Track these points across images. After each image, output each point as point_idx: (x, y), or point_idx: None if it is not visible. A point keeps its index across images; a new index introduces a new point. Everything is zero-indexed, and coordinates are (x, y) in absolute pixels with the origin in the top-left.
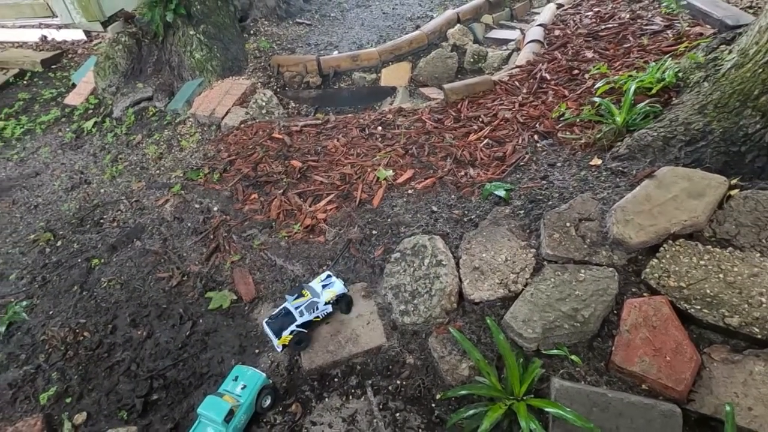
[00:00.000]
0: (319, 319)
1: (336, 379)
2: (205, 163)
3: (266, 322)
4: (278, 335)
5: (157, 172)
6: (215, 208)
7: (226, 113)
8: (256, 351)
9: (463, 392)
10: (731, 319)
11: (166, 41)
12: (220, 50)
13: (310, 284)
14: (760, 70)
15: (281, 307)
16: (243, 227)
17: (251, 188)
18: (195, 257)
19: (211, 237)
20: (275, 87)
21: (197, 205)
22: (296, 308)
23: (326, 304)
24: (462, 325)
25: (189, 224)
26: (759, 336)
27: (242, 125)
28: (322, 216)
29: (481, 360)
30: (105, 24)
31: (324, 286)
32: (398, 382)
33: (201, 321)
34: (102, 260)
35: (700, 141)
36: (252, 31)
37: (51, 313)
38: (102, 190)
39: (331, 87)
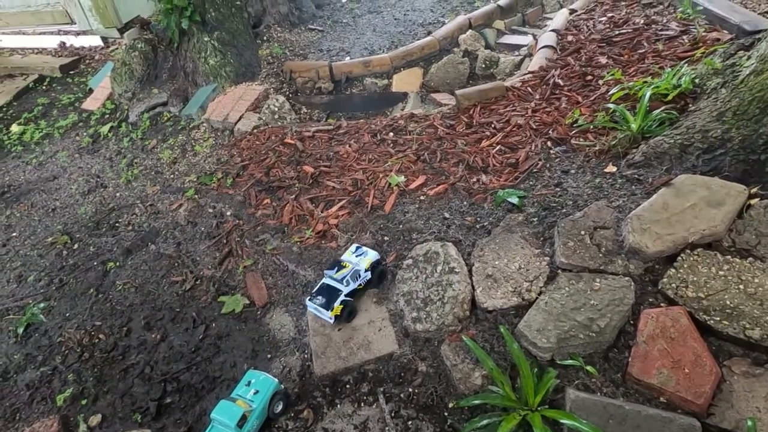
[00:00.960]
0: (361, 287)
1: (348, 386)
2: (218, 168)
3: (308, 300)
4: (328, 307)
5: (172, 176)
6: (228, 213)
7: (239, 118)
8: (269, 356)
9: (477, 401)
10: (752, 332)
11: (181, 48)
12: (234, 56)
13: (342, 257)
14: None
15: (320, 284)
16: (255, 232)
17: (264, 193)
18: (208, 261)
19: (224, 241)
20: (287, 93)
21: (210, 210)
22: (341, 279)
23: (366, 270)
24: (475, 333)
25: (202, 228)
26: None
27: (255, 130)
28: (334, 221)
29: (495, 369)
30: (121, 30)
31: (357, 256)
32: (410, 389)
33: (214, 325)
34: (117, 263)
35: (719, 149)
36: (265, 38)
37: (68, 315)
38: (118, 194)
39: (342, 92)
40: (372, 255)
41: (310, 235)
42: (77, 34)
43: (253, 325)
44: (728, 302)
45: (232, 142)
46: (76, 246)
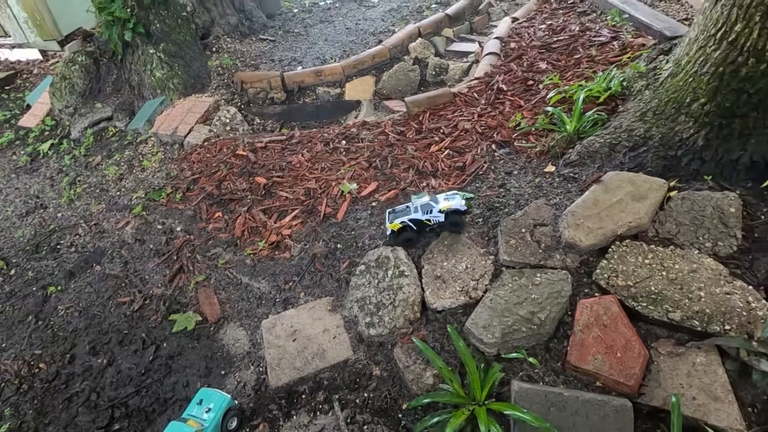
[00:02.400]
0: (430, 223)
1: (303, 396)
2: (167, 183)
3: (389, 210)
4: (391, 220)
5: (118, 193)
6: (178, 228)
7: (189, 131)
8: (222, 372)
9: (427, 400)
10: (674, 314)
11: (126, 60)
12: (182, 68)
13: (436, 195)
14: (691, 79)
15: (406, 204)
16: (207, 246)
17: (215, 206)
18: (158, 279)
19: (175, 258)
20: (239, 104)
21: (160, 226)
22: (413, 206)
23: (440, 212)
24: (425, 334)
25: (151, 246)
26: (699, 328)
27: (206, 143)
28: (288, 232)
29: (444, 368)
30: (62, 43)
31: (446, 198)
32: (365, 394)
33: (165, 345)
34: (59, 287)
35: (642, 146)
36: (214, 49)
37: (3, 345)
38: (59, 215)
39: (295, 102)
40: (456, 203)
41: (264, 247)
42: (12, 47)
43: (206, 341)
44: (653, 288)
45: (181, 156)
46: (12, 272)
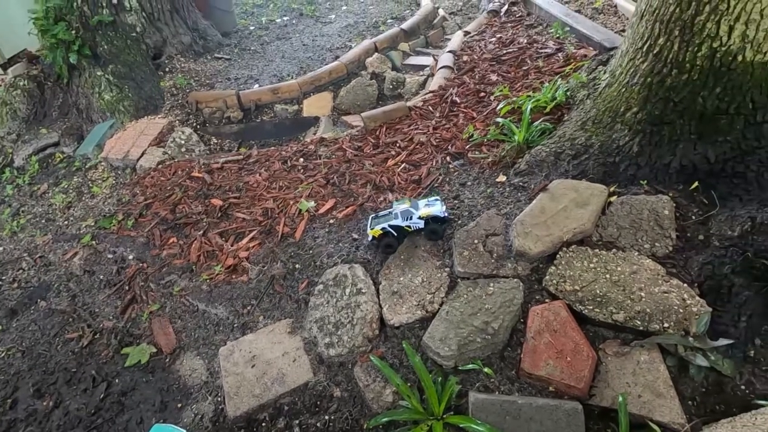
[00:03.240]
0: (410, 230)
1: (264, 424)
2: (119, 209)
3: (372, 216)
4: (372, 226)
5: (65, 222)
6: (130, 257)
7: (142, 154)
8: (179, 405)
9: (386, 419)
10: (618, 315)
11: (72, 83)
12: (132, 90)
13: (417, 200)
14: (624, 89)
15: (389, 209)
16: (161, 274)
17: (169, 232)
18: (109, 312)
19: (127, 288)
20: (195, 124)
21: (110, 255)
22: (392, 212)
23: (420, 218)
24: (384, 351)
25: (101, 277)
26: (641, 328)
27: (160, 166)
28: (245, 254)
29: (402, 385)
30: (5, 66)
31: (427, 204)
32: (326, 417)
33: (117, 380)
34: (0, 327)
35: (584, 154)
36: (168, 69)
37: None
38: (1, 248)
39: (253, 120)
40: (435, 210)
41: (220, 271)
42: None
43: (162, 374)
44: (598, 291)
45: (134, 180)
46: None
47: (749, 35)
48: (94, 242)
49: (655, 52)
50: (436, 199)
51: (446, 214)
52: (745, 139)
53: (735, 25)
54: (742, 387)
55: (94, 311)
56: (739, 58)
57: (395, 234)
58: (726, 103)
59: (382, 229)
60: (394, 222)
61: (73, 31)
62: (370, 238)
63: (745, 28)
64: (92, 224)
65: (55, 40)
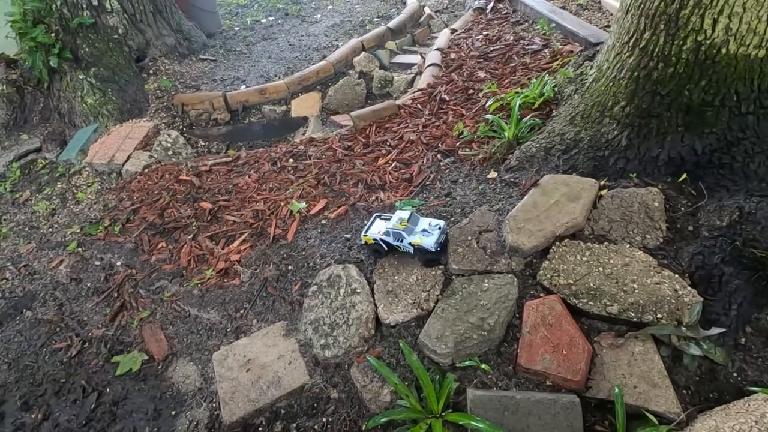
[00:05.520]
0: (400, 249)
1: (260, 429)
2: (105, 215)
3: (376, 215)
4: (366, 232)
5: (50, 230)
6: (118, 263)
7: (128, 159)
8: (173, 413)
9: (384, 419)
10: (612, 308)
11: (53, 87)
12: (116, 93)
13: (421, 219)
14: (611, 83)
15: (391, 214)
16: (151, 280)
17: (158, 236)
18: (97, 320)
19: (115, 295)
20: (181, 127)
21: (98, 262)
22: (386, 227)
23: (409, 244)
24: (381, 350)
25: (89, 284)
26: (635, 319)
27: (146, 170)
28: (236, 257)
29: (399, 384)
30: None
31: (425, 230)
32: (324, 419)
33: (108, 390)
34: None
35: (573, 149)
36: (152, 71)
37: None
38: None
39: (241, 122)
40: (427, 242)
41: (212, 275)
42: None
43: (154, 381)
44: (591, 284)
45: (120, 185)
46: None
47: (732, 28)
48: (80, 249)
49: (641, 46)
50: (438, 226)
51: (439, 248)
52: (731, 130)
53: (719, 19)
54: (735, 374)
55: (82, 320)
56: (723, 50)
57: (385, 248)
58: (711, 96)
59: (374, 239)
60: (385, 238)
61: (53, 34)
62: (362, 242)
63: (728, 21)
64: (78, 231)
65: (34, 43)
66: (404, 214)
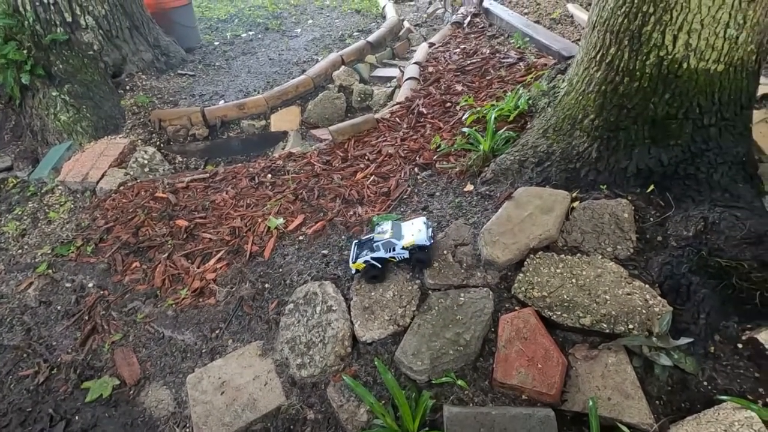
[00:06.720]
0: (395, 260)
1: None
2: (77, 235)
3: (354, 242)
4: (354, 259)
5: (20, 251)
6: (90, 284)
7: (102, 176)
8: None
9: None
10: (585, 319)
11: (25, 104)
12: (91, 110)
13: (403, 223)
14: (581, 97)
15: (369, 235)
16: (124, 301)
17: (132, 256)
18: (67, 344)
19: (86, 318)
20: (158, 143)
21: (68, 284)
22: (375, 241)
23: (403, 248)
24: (357, 368)
25: (58, 307)
26: (607, 330)
27: (121, 187)
28: (212, 276)
29: (375, 403)
30: None
31: (410, 229)
32: None
33: (77, 418)
34: None
35: (546, 161)
36: (128, 87)
37: None
38: None
39: (219, 137)
40: (419, 238)
41: (186, 295)
42: None
43: (126, 407)
44: (565, 296)
45: (94, 204)
46: None
47: (692, 44)
48: (50, 271)
49: (607, 61)
50: (423, 222)
51: (431, 241)
52: (694, 142)
53: (678, 35)
54: (705, 383)
55: (51, 345)
56: (684, 65)
57: (380, 266)
58: (675, 109)
59: (365, 262)
60: (377, 254)
61: (25, 51)
62: (353, 272)
63: (687, 37)
64: (49, 252)
65: (5, 60)
66: (386, 225)
